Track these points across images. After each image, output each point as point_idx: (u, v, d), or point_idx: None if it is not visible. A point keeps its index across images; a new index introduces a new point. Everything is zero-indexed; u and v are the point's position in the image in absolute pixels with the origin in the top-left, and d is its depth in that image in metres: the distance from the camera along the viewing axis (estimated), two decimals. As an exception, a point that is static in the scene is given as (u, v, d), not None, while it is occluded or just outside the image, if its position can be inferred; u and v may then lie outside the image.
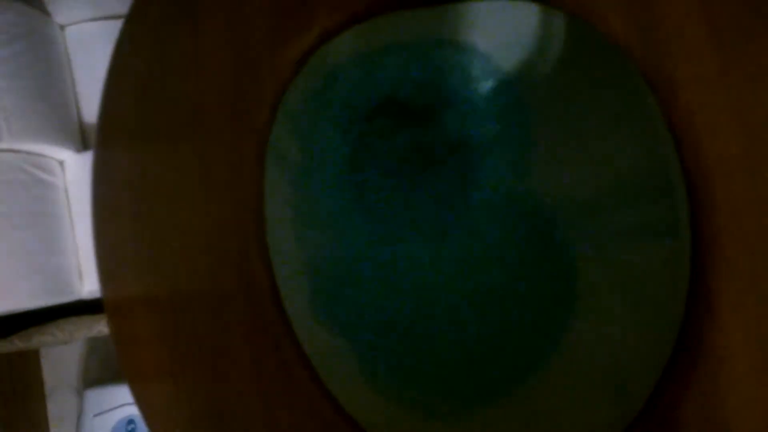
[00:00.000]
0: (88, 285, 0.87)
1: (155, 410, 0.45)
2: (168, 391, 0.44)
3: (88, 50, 0.91)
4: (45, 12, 0.91)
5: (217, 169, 0.45)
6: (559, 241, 0.46)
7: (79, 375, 1.18)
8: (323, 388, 0.43)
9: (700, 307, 0.41)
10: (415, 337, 0.47)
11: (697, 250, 0.41)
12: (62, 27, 0.93)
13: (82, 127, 0.91)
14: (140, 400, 0.45)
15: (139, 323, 0.45)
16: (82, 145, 0.90)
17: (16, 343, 0.88)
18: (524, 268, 0.47)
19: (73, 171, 0.88)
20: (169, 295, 0.45)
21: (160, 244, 0.45)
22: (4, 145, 0.81)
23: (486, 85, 0.48)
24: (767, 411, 0.39)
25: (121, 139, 0.46)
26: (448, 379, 0.46)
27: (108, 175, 0.46)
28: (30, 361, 1.16)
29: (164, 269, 0.45)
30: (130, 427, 1.04)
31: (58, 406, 1.17)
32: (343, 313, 0.48)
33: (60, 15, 0.91)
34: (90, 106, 0.91)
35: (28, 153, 0.84)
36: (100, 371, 1.18)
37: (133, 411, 1.04)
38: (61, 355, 1.18)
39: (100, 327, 0.91)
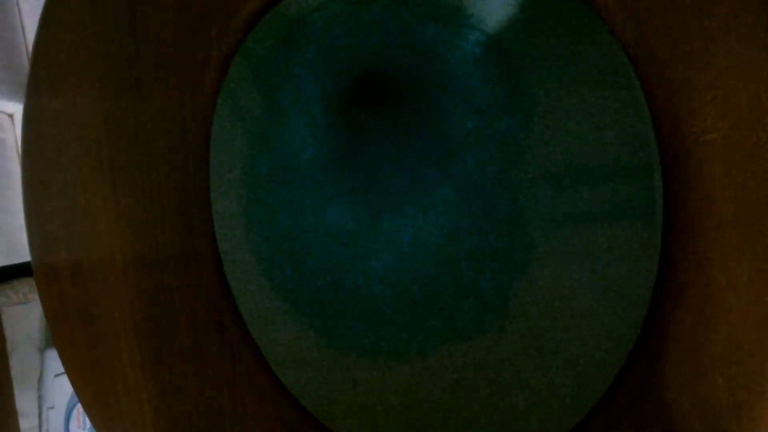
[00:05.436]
0: (42, 246, 0.84)
1: (90, 395, 0.42)
2: (103, 373, 0.42)
3: (38, -5, 0.84)
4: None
5: (156, 134, 0.41)
6: (517, 210, 0.44)
7: (42, 334, 1.16)
8: (270, 373, 0.41)
9: (667, 298, 0.39)
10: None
11: (667, 237, 0.40)
12: (12, -32, 0.87)
13: (33, 79, 0.85)
14: (74, 380, 0.42)
15: (71, 299, 0.42)
16: (35, 98, 0.85)
17: (-33, 304, 0.85)
18: (473, 229, 0.45)
19: (24, 125, 0.83)
20: (105, 271, 0.42)
21: (92, 214, 0.42)
22: (-53, 97, 0.76)
23: (463, 46, 0.45)
24: (725, 405, 0.38)
25: (51, 95, 0.42)
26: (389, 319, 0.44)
27: (38, 133, 0.43)
28: (-12, 319, 1.13)
29: (99, 242, 0.42)
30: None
31: (20, 363, 1.15)
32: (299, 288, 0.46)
33: (9, -45, 0.85)
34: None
35: (-26, 106, 0.79)
36: (62, 331, 1.15)
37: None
38: (23, 314, 1.15)
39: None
